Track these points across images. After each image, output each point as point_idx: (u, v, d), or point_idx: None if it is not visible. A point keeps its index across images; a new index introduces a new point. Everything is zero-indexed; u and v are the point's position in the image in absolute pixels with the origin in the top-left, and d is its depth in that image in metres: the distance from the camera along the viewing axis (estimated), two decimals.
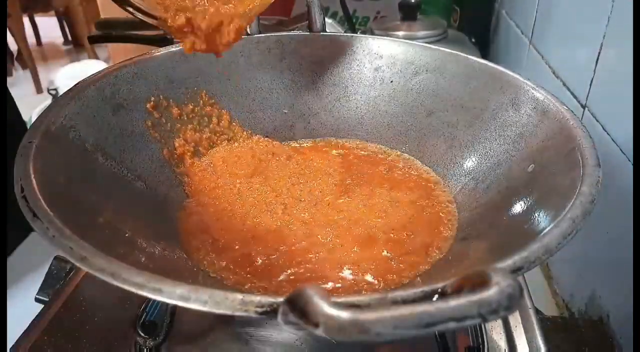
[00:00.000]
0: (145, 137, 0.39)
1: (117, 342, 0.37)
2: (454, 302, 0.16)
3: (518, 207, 0.31)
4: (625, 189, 0.40)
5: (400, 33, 0.80)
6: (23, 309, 0.50)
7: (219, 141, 0.45)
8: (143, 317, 0.37)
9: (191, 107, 0.44)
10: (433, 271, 0.32)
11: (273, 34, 0.47)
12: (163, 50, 0.42)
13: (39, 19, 2.53)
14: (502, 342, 0.36)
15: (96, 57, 2.12)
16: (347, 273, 0.32)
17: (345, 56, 0.47)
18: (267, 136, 0.47)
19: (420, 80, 0.44)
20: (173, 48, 0.43)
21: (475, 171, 0.39)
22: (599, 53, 0.46)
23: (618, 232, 0.43)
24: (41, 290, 0.45)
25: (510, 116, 0.37)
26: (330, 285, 0.31)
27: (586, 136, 0.30)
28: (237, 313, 0.19)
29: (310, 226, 0.36)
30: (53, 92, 0.87)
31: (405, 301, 0.19)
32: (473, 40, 0.87)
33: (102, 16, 1.19)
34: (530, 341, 0.36)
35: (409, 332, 0.16)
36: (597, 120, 0.46)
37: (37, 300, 0.45)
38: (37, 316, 0.39)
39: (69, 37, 2.57)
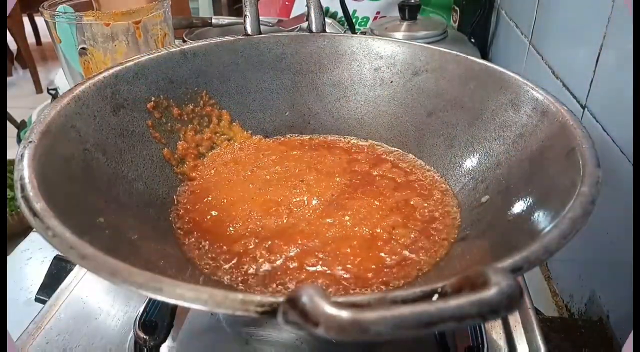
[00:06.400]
0: (146, 137, 0.39)
1: (117, 342, 0.37)
2: (453, 302, 0.16)
3: (518, 207, 0.31)
4: (625, 189, 0.40)
5: (400, 33, 0.80)
6: (23, 309, 0.50)
7: (219, 141, 0.45)
8: (143, 316, 0.37)
9: (191, 107, 0.44)
10: (433, 271, 0.32)
11: (273, 34, 0.47)
12: (163, 50, 0.42)
13: (39, 19, 2.53)
14: (502, 342, 0.36)
15: None
16: (349, 273, 0.32)
17: (345, 56, 0.47)
18: (267, 136, 0.47)
19: (420, 81, 0.44)
20: (173, 48, 0.43)
21: (475, 171, 0.39)
22: (599, 53, 0.46)
23: (618, 232, 0.43)
24: (41, 290, 0.45)
25: (510, 116, 0.37)
26: (331, 284, 0.31)
27: (586, 137, 0.30)
28: (238, 313, 0.19)
29: (315, 227, 0.36)
30: (53, 92, 0.87)
31: (405, 301, 0.19)
32: (473, 40, 0.88)
33: None
34: (530, 341, 0.36)
35: (409, 332, 0.16)
36: (597, 121, 0.46)
37: (37, 300, 0.45)
38: (37, 316, 0.39)
39: None
